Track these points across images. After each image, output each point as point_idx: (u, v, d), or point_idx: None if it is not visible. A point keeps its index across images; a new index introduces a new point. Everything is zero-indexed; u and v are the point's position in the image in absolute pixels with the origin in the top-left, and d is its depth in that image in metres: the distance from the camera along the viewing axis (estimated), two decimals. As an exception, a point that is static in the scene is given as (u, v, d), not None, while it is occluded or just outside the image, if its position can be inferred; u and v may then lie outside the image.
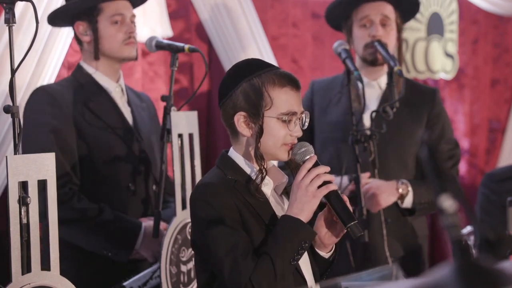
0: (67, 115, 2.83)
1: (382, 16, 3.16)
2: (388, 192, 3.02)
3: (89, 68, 2.96)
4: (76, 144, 2.85)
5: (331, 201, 2.02)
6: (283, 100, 2.03)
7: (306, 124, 2.09)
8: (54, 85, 2.96)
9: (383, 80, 3.22)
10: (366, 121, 3.10)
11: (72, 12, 2.93)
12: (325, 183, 2.00)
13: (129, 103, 3.03)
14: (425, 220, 3.33)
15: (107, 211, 2.82)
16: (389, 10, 3.18)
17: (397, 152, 3.15)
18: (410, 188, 3.07)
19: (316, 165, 2.02)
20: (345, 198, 2.04)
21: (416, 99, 3.20)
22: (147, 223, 2.87)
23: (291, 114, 2.04)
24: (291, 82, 2.06)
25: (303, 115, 2.07)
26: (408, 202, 3.09)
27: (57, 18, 2.96)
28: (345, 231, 2.05)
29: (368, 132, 2.92)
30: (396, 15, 3.22)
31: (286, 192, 2.15)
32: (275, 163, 2.18)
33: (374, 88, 3.23)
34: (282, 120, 2.03)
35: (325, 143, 3.17)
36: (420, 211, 3.14)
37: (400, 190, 3.05)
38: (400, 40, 3.28)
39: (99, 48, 2.92)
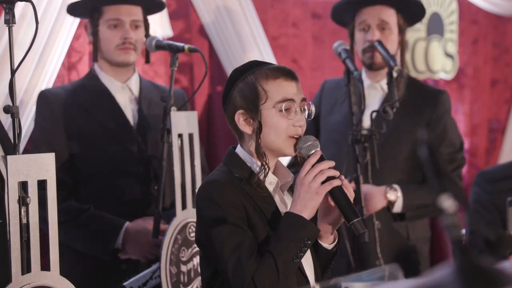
0: (57, 116, 2.92)
1: (380, 21, 3.16)
2: (377, 199, 3.02)
3: (96, 68, 3.05)
4: (65, 144, 2.91)
5: (335, 197, 2.00)
6: (277, 90, 2.02)
7: (312, 113, 2.07)
8: (55, 87, 3.08)
9: (385, 82, 3.22)
10: (366, 121, 3.10)
11: (83, 10, 3.01)
12: (329, 178, 1.99)
13: (140, 102, 3.04)
14: (425, 222, 3.32)
15: (89, 211, 2.86)
16: (388, 14, 3.17)
17: (392, 153, 3.14)
18: (399, 194, 3.07)
19: (320, 160, 2.02)
20: (352, 193, 2.03)
21: (418, 100, 3.20)
22: (134, 223, 2.87)
23: (288, 101, 2.02)
24: (285, 73, 2.05)
25: (307, 104, 2.06)
26: (398, 207, 3.09)
27: (73, 11, 3.03)
28: (342, 221, 2.05)
29: (365, 132, 2.92)
30: (398, 18, 3.21)
31: (292, 190, 2.14)
32: (284, 162, 2.16)
33: (376, 89, 3.23)
34: (279, 110, 2.02)
35: (325, 144, 3.18)
36: (411, 216, 3.13)
37: (388, 195, 3.05)
38: (403, 43, 3.27)
39: (98, 50, 3.00)
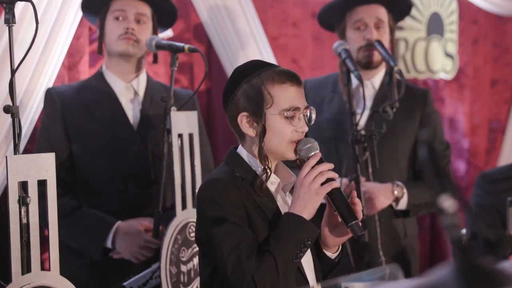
0: (59, 113, 2.95)
1: (376, 19, 3.17)
2: (384, 195, 3.03)
3: (103, 67, 3.07)
4: (64, 142, 2.94)
5: (334, 198, 2.01)
6: (283, 96, 2.03)
7: (313, 119, 2.08)
8: (62, 85, 3.14)
9: (376, 80, 3.24)
10: (362, 121, 3.11)
11: (92, 8, 3.04)
12: (328, 180, 2.00)
13: (144, 102, 3.04)
14: (415, 220, 3.34)
15: (81, 209, 2.86)
16: (382, 13, 3.20)
17: (390, 152, 3.16)
18: (405, 190, 3.09)
19: (320, 162, 2.02)
20: (356, 200, 2.04)
21: (409, 100, 3.21)
22: (125, 223, 2.87)
23: (294, 110, 2.03)
24: (291, 78, 2.05)
25: (308, 111, 2.07)
26: (402, 204, 3.11)
27: (87, 7, 3.06)
28: (350, 236, 2.06)
29: (363, 132, 2.93)
30: (389, 17, 3.23)
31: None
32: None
33: (367, 87, 3.24)
34: (285, 117, 2.02)
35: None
36: (415, 213, 3.15)
37: (396, 193, 3.07)
38: (393, 42, 3.29)
39: (102, 43, 3.03)
